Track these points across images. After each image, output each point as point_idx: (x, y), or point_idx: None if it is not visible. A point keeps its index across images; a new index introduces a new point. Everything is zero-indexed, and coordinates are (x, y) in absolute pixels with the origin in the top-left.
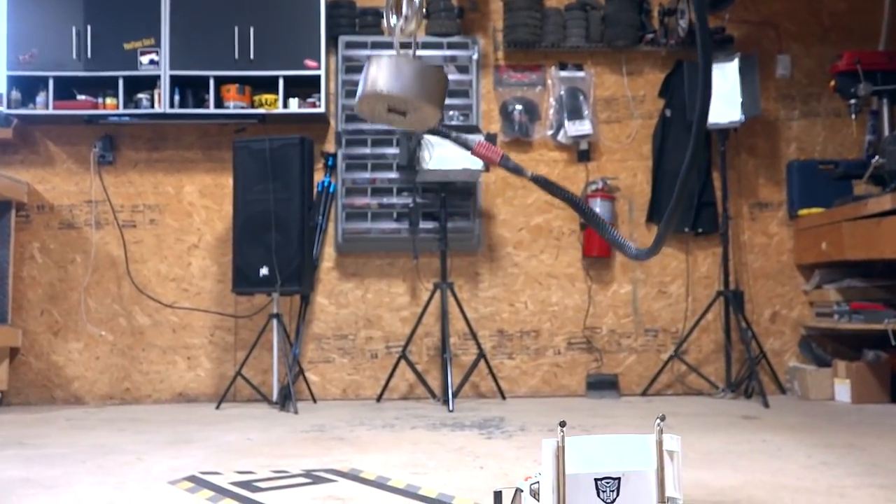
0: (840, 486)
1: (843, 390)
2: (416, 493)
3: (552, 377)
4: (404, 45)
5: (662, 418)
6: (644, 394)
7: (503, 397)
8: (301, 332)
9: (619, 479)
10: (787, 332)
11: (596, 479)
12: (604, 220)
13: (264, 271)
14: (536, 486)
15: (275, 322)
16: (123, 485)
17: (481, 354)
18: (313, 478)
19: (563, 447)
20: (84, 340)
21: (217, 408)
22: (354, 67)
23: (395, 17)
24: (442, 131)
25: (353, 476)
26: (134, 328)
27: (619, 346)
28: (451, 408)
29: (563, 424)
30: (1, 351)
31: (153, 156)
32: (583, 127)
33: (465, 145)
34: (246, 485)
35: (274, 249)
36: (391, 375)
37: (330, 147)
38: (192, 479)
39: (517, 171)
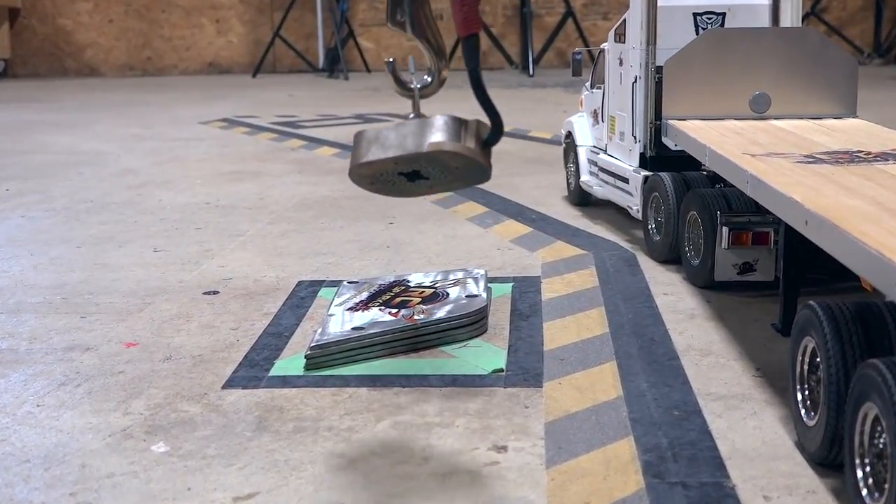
0: None
1: None
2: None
3: None
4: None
5: None
6: None
7: None
8: None
9: (723, 14)
10: None
11: (695, 14)
12: None
13: None
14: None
15: None
16: (150, 125)
17: (569, 13)
18: (365, 119)
19: None
20: (93, 0)
21: (254, 76)
22: None
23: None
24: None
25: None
26: None
27: None
28: (531, 73)
29: None
30: None
31: None
32: None
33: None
34: (287, 124)
35: None
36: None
37: None
38: (225, 120)
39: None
